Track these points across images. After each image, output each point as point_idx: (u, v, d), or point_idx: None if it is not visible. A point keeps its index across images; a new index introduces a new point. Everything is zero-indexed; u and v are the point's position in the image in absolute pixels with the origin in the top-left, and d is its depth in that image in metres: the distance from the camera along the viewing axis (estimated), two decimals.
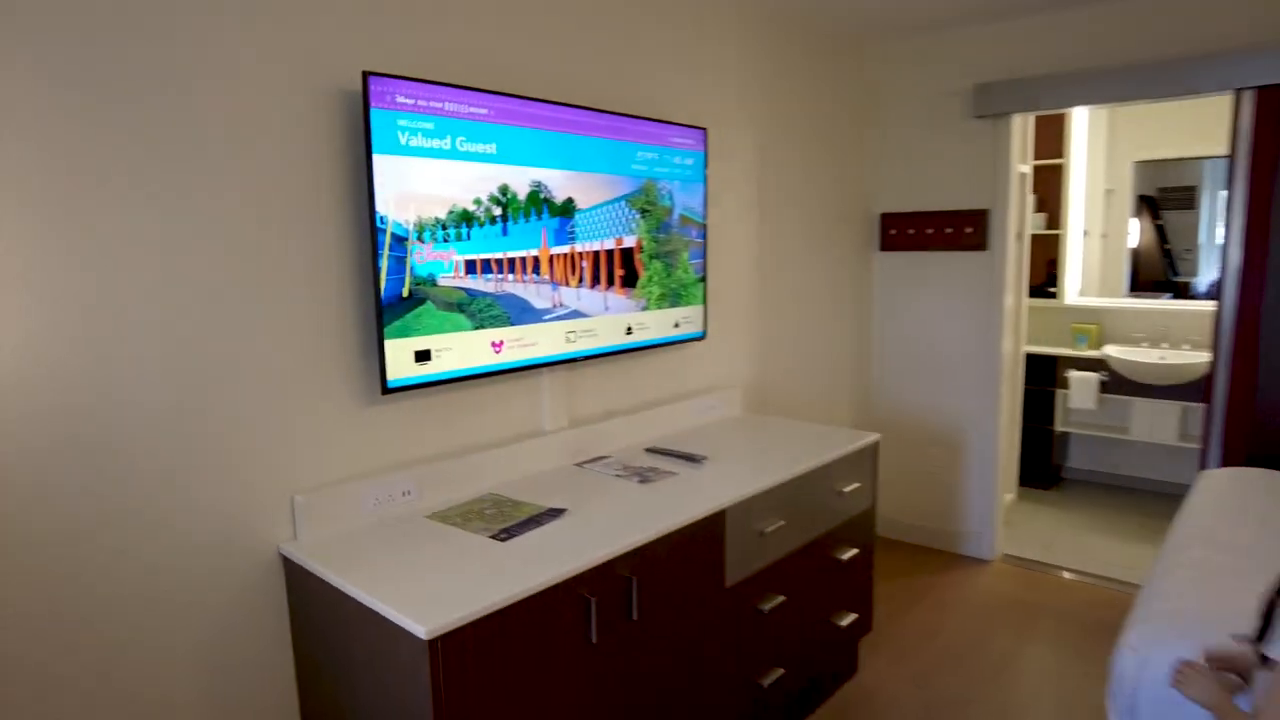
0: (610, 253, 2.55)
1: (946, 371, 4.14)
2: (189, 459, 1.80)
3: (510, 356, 2.29)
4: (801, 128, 3.64)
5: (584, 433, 2.66)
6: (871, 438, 2.93)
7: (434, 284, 2.07)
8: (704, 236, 2.96)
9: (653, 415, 2.93)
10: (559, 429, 2.60)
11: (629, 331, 2.68)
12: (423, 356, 2.07)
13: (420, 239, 2.02)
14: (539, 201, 2.30)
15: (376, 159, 1.93)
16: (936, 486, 4.26)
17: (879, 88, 4.12)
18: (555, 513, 2.13)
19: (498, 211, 2.19)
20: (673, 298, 2.82)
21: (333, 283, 1.99)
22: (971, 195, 3.91)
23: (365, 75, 1.90)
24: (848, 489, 2.78)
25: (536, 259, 2.31)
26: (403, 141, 1.98)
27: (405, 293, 2.01)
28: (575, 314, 2.45)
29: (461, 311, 2.14)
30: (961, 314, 4.04)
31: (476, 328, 2.17)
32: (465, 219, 2.11)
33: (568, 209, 2.38)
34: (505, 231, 2.22)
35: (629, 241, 2.61)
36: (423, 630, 1.54)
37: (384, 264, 1.97)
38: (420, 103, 2.00)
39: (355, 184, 2.00)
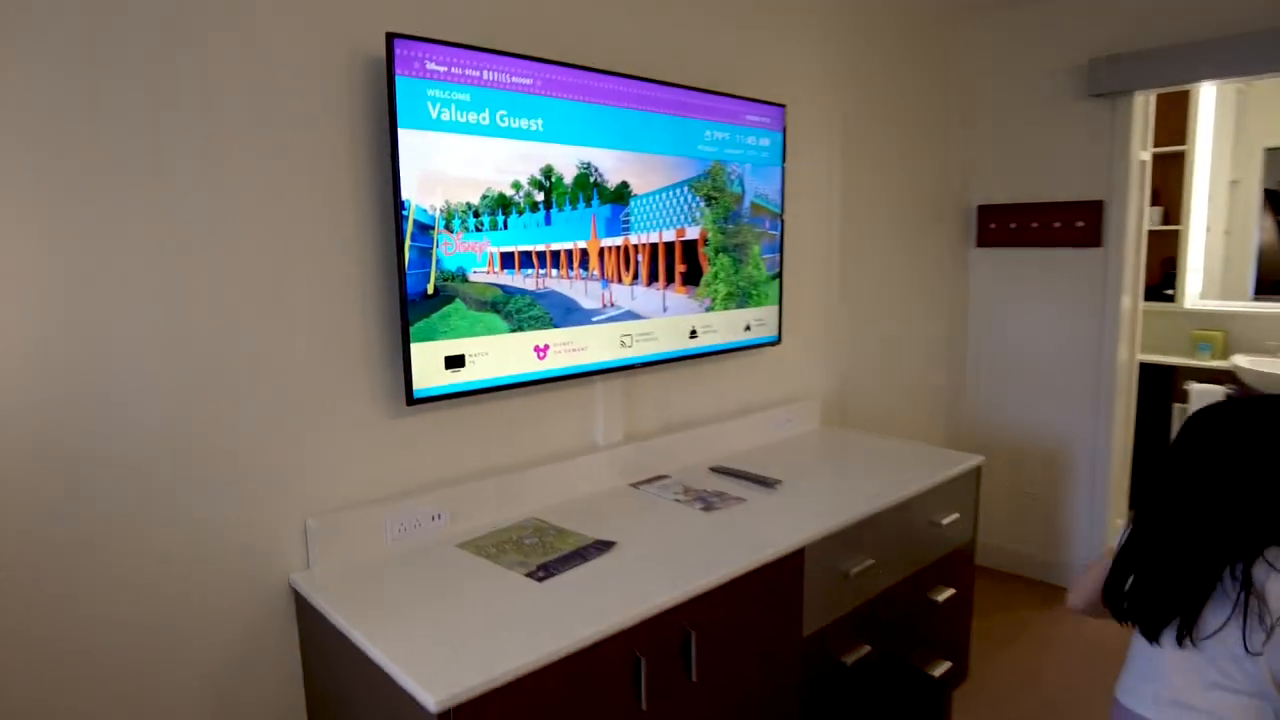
0: (670, 245, 2.22)
1: (1051, 382, 3.67)
2: (189, 474, 1.56)
3: (557, 363, 1.99)
4: (891, 108, 3.25)
5: (641, 449, 2.35)
6: (973, 460, 2.52)
7: (465, 279, 1.78)
8: (779, 228, 2.61)
9: (719, 430, 2.59)
10: (613, 444, 2.29)
11: (693, 335, 2.35)
12: (454, 363, 1.79)
13: (449, 227, 1.74)
14: (588, 185, 1.99)
15: (402, 134, 1.66)
16: (1037, 510, 3.78)
17: (979, 64, 3.69)
18: (603, 545, 1.82)
19: (540, 197, 1.89)
20: (741, 297, 2.48)
21: (351, 277, 1.73)
22: (1084, 185, 3.44)
23: (389, 37, 1.63)
24: (946, 520, 2.38)
25: (585, 252, 2.01)
26: (433, 115, 1.70)
27: (430, 289, 1.73)
28: (629, 315, 2.14)
29: (496, 311, 1.84)
30: (1070, 318, 3.57)
31: (514, 330, 1.88)
32: (502, 205, 1.82)
33: (621, 195, 2.07)
34: (548, 220, 1.92)
35: (692, 233, 2.28)
36: (432, 700, 1.25)
37: (405, 256, 1.69)
38: (454, 70, 1.72)
39: (377, 163, 1.73)
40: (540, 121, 1.89)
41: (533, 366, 1.95)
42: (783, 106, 2.59)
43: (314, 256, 1.67)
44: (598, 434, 2.28)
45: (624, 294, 2.12)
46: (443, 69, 1.72)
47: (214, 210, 1.54)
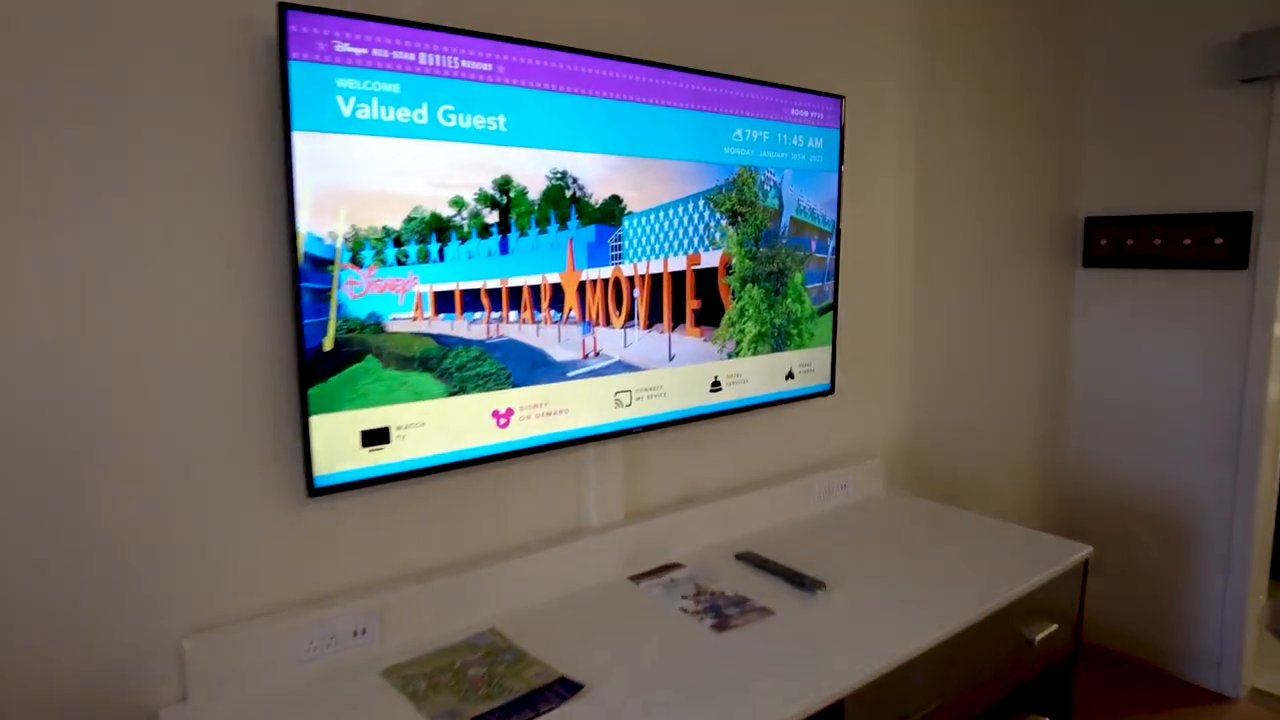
0: (679, 276, 1.71)
1: (1175, 429, 2.98)
2: (22, 583, 1.15)
3: (525, 431, 1.52)
4: (978, 101, 2.64)
5: (648, 529, 1.85)
6: (1079, 553, 1.92)
7: (379, 330, 1.32)
8: (832, 249, 2.06)
9: (752, 501, 2.07)
10: (610, 524, 1.80)
11: (716, 388, 1.83)
12: (376, 438, 1.33)
13: (356, 261, 1.28)
14: (564, 201, 1.50)
15: (298, 139, 1.21)
16: (1153, 583, 3.09)
17: (1090, 43, 3.03)
18: (566, 689, 1.33)
19: (492, 218, 1.42)
20: (778, 338, 1.95)
21: (237, 330, 1.29)
22: (1225, 193, 2.75)
23: (281, 8, 1.19)
24: (1040, 635, 1.79)
25: (557, 288, 1.52)
26: (345, 111, 1.25)
27: (329, 344, 1.27)
28: (622, 366, 1.64)
29: (427, 370, 1.38)
30: (1202, 352, 2.88)
31: (454, 393, 1.40)
32: (436, 229, 1.35)
33: (611, 213, 1.57)
34: (505, 247, 1.44)
35: (709, 259, 1.77)
36: None
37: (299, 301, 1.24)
38: (378, 53, 1.27)
39: (270, 178, 1.29)
40: (501, 119, 1.42)
41: (491, 437, 1.48)
42: (840, 98, 2.04)
43: (184, 301, 1.24)
44: (589, 511, 1.79)
45: (614, 340, 1.62)
46: (360, 51, 1.26)
47: (53, 239, 1.12)
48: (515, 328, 1.48)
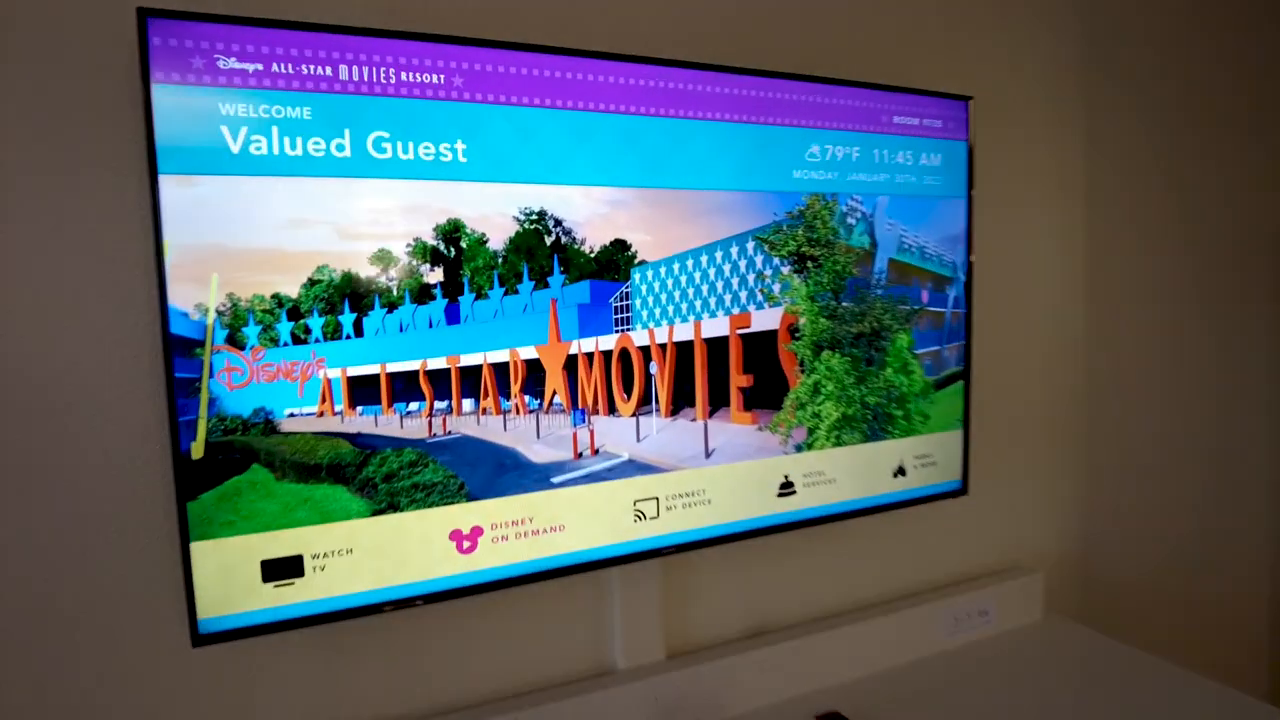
0: (718, 344, 1.27)
1: None
2: None
3: (501, 557, 1.14)
4: (1174, 95, 1.98)
5: (696, 674, 1.39)
6: None
7: (270, 430, 0.99)
8: (958, 300, 1.53)
9: (845, 636, 1.55)
10: (645, 667, 1.38)
11: (787, 490, 1.36)
12: (283, 570, 1.00)
13: (234, 341, 0.96)
14: (540, 250, 1.12)
15: (166, 184, 0.92)
16: None
17: None
18: None
19: (434, 276, 1.06)
20: (874, 421, 1.43)
21: (100, 427, 1.01)
22: None
23: (142, 15, 0.91)
24: None
25: (534, 365, 1.13)
26: (235, 146, 0.95)
27: (198, 451, 0.96)
28: (635, 468, 1.21)
29: (341, 481, 1.03)
30: None
31: (379, 510, 1.04)
32: (348, 294, 1.01)
33: (614, 263, 1.17)
34: (455, 315, 1.08)
35: (764, 319, 1.31)
36: None
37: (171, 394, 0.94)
38: (279, 69, 0.96)
39: (131, 232, 1.02)
40: (459, 146, 1.07)
41: (450, 566, 1.11)
42: (965, 100, 1.53)
43: (41, 390, 0.98)
44: (616, 650, 1.37)
45: (621, 432, 1.20)
46: (253, 68, 0.96)
47: None
48: (472, 420, 1.10)
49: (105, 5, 0.99)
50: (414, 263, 1.05)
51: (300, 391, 1.01)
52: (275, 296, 0.98)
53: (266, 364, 0.99)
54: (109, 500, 1.02)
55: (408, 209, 1.04)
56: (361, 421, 1.04)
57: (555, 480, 1.15)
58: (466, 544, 1.13)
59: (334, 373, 1.02)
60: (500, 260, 1.10)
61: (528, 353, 1.13)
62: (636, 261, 1.18)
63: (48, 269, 0.99)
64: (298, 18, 1.03)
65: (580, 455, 1.17)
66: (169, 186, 0.94)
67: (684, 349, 1.24)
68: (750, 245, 1.27)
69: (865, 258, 1.39)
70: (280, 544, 1.02)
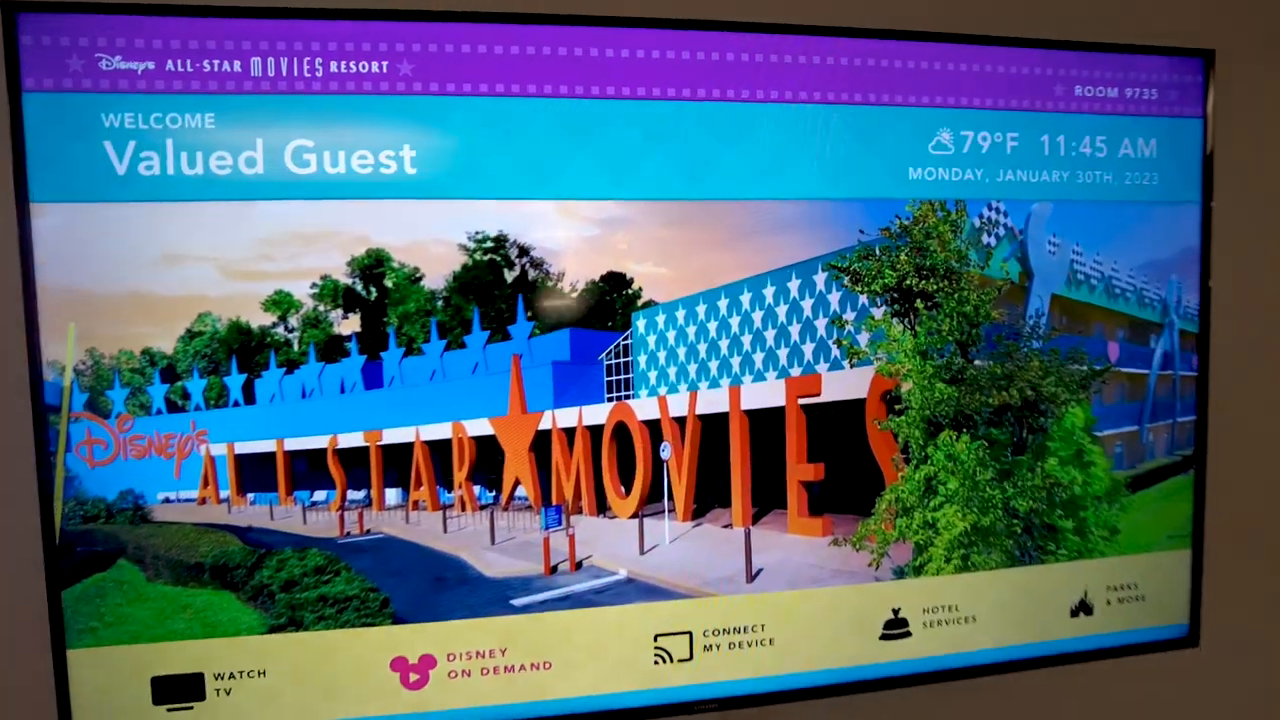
0: (767, 418, 0.88)
1: None
2: None
3: (460, 697, 0.85)
4: None
5: None
6: None
7: (140, 518, 0.78)
8: (1174, 358, 1.01)
9: None
10: None
11: (896, 631, 0.94)
12: (178, 692, 0.80)
13: (95, 407, 0.77)
14: (496, 288, 0.82)
15: (39, 214, 0.76)
16: None
17: None
18: None
19: (349, 325, 0.80)
20: (1028, 536, 0.95)
21: None
22: None
23: (7, 9, 0.76)
24: None
25: (488, 444, 0.83)
26: (121, 166, 0.78)
27: (52, 539, 0.77)
28: (640, 591, 0.86)
29: (226, 586, 0.80)
30: None
31: (276, 626, 0.80)
32: (235, 349, 0.78)
33: (606, 304, 0.84)
34: (375, 375, 0.81)
35: (844, 384, 0.90)
36: None
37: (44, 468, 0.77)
38: (175, 64, 0.78)
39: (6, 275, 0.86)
40: (408, 153, 0.81)
41: (391, 703, 0.84)
42: (1202, 57, 1.02)
43: None
44: None
45: (615, 539, 0.86)
46: (143, 66, 0.78)
47: None
48: (399, 517, 0.83)
49: None
50: (320, 308, 0.80)
51: (177, 471, 0.79)
52: (146, 352, 0.78)
53: (135, 436, 0.78)
54: None
55: (311, 236, 0.79)
56: (253, 513, 0.80)
57: (517, 603, 0.84)
58: (414, 676, 0.85)
59: (219, 449, 0.79)
60: (440, 303, 0.81)
61: (478, 427, 0.83)
62: (641, 303, 0.84)
63: None
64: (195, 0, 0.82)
65: (555, 570, 0.85)
66: (49, 217, 0.77)
67: (713, 425, 0.87)
68: (820, 277, 0.88)
69: (1013, 293, 0.93)
70: (175, 657, 0.81)
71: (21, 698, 0.87)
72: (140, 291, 0.77)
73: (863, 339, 0.89)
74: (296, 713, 0.84)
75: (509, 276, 0.82)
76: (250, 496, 0.80)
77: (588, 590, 0.85)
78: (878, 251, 0.89)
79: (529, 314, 0.83)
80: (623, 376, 0.85)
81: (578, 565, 0.85)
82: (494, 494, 0.83)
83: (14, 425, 0.81)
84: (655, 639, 0.89)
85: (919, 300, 0.90)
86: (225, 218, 0.79)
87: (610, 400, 0.85)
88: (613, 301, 0.84)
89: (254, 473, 0.80)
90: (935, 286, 0.90)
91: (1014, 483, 0.93)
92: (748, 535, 0.88)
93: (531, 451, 0.84)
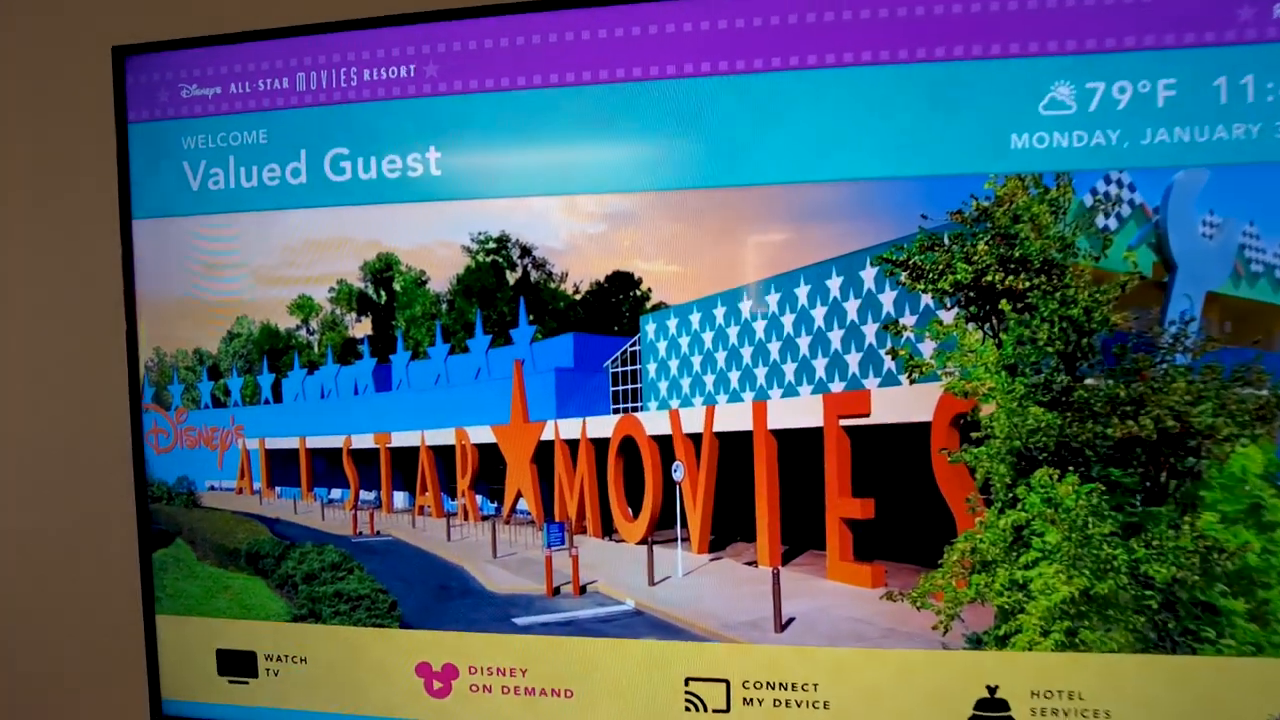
0: (801, 440, 0.75)
1: None
2: None
3: (477, 714, 0.83)
4: None
5: None
6: None
7: (192, 502, 0.86)
8: None
9: None
10: None
11: (993, 711, 0.76)
12: (237, 665, 0.87)
13: (159, 400, 0.86)
14: (500, 290, 0.79)
15: (139, 229, 0.88)
16: None
17: None
18: None
19: (361, 328, 0.81)
20: (1170, 614, 0.71)
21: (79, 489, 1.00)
22: None
23: (118, 53, 0.89)
24: None
25: (490, 453, 0.80)
26: (195, 182, 0.87)
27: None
28: (651, 625, 0.77)
29: (259, 572, 0.84)
30: None
31: (299, 616, 0.83)
32: (267, 350, 0.83)
33: (612, 306, 0.77)
34: (385, 378, 0.81)
35: (901, 402, 0.73)
36: None
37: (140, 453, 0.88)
38: (238, 87, 0.86)
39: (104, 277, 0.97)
40: (433, 154, 0.81)
41: (416, 709, 0.84)
42: None
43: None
44: None
45: (622, 564, 0.78)
46: (210, 92, 0.86)
47: None
48: (405, 520, 0.81)
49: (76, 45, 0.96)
50: (337, 311, 0.81)
51: (220, 462, 0.85)
52: (197, 352, 0.84)
53: (189, 428, 0.85)
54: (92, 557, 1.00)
55: (330, 243, 0.81)
56: (280, 505, 0.84)
57: (520, 622, 0.79)
58: (437, 684, 0.84)
59: (252, 443, 0.84)
60: (445, 307, 0.79)
61: (480, 434, 0.79)
62: (650, 305, 0.75)
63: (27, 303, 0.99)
64: (252, 26, 0.88)
65: (557, 592, 0.78)
66: (151, 230, 0.87)
67: (734, 445, 0.75)
68: (868, 274, 0.73)
69: (1145, 292, 0.70)
70: (234, 634, 0.87)
71: (118, 655, 0.98)
72: (193, 297, 0.84)
73: (926, 349, 0.72)
74: (331, 701, 0.87)
75: (511, 278, 0.77)
76: (278, 490, 0.84)
77: (591, 619, 0.77)
78: (946, 241, 0.71)
79: (531, 317, 0.78)
80: (630, 386, 0.76)
81: (582, 589, 0.78)
82: (496, 505, 0.79)
83: (115, 415, 0.92)
84: (686, 683, 0.79)
85: (1005, 300, 0.71)
86: (258, 226, 0.83)
87: (617, 412, 0.77)
88: (619, 304, 0.76)
89: (281, 467, 0.83)
90: (1028, 283, 0.70)
91: (1146, 541, 0.70)
92: (776, 576, 0.74)
93: (534, 463, 0.78)
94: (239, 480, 0.85)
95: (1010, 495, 0.71)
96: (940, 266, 0.71)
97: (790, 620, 0.75)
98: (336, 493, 0.83)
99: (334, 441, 0.82)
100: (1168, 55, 0.72)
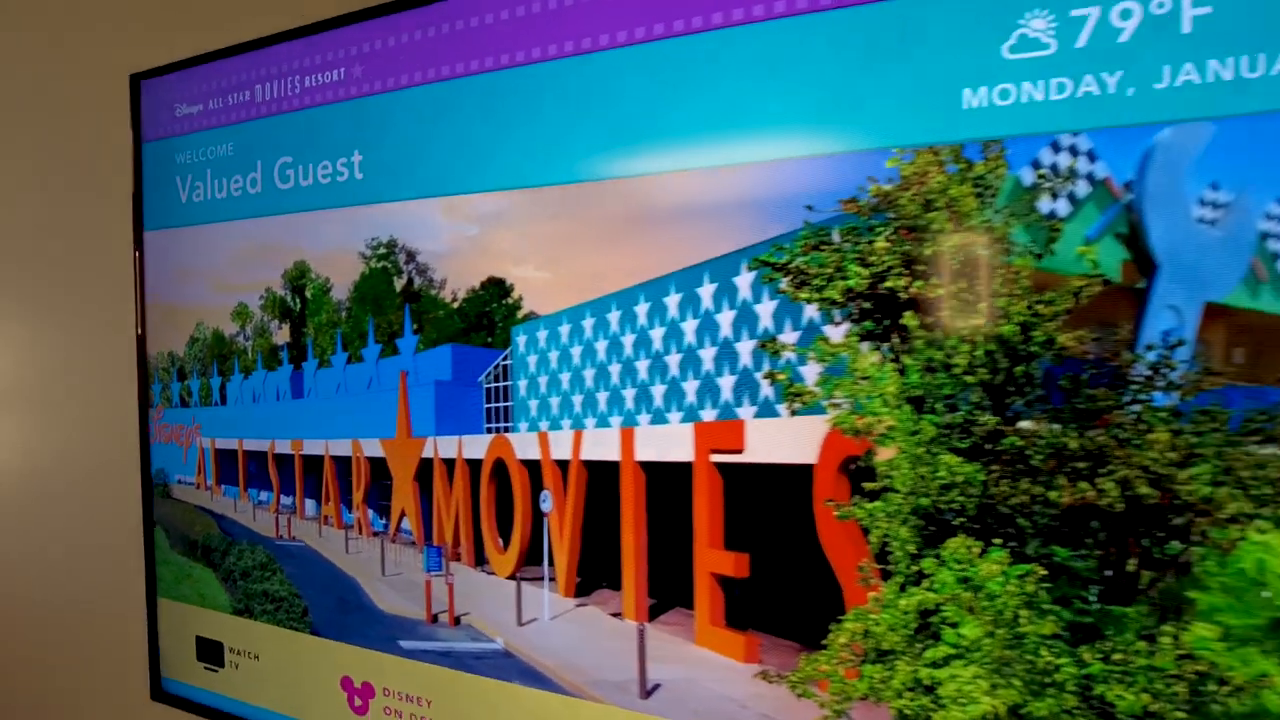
0: (672, 474, 0.63)
1: None
2: None
3: None
4: None
5: None
6: None
7: (166, 493, 0.93)
8: None
9: None
10: None
11: None
12: (210, 653, 0.94)
13: (149, 398, 0.94)
14: (388, 297, 0.75)
15: (153, 239, 0.99)
16: None
17: None
18: None
19: (282, 334, 0.82)
20: None
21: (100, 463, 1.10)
22: None
23: (135, 81, 1.00)
24: None
25: (380, 465, 0.77)
26: (184, 195, 0.96)
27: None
28: (519, 670, 0.70)
29: (210, 564, 0.89)
30: None
31: (237, 610, 0.87)
32: (218, 353, 0.87)
33: (486, 316, 0.70)
34: (298, 385, 0.81)
35: (778, 439, 0.58)
36: None
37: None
38: (214, 104, 0.93)
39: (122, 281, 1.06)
40: (357, 158, 0.81)
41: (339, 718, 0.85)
42: None
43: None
44: None
45: (494, 599, 0.71)
46: (196, 109, 0.94)
47: None
48: (313, 528, 0.81)
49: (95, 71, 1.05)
50: (265, 318, 0.82)
51: (184, 457, 0.90)
52: (169, 355, 0.90)
53: (164, 424, 0.91)
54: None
55: (256, 252, 0.82)
56: (224, 503, 0.87)
57: (405, 645, 0.75)
58: (358, 700, 0.83)
59: (207, 442, 0.88)
60: (343, 314, 0.77)
61: (371, 447, 0.76)
62: (521, 315, 0.67)
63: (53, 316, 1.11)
64: (228, 43, 0.92)
65: (436, 619, 0.73)
66: (155, 241, 0.96)
67: (603, 474, 0.65)
68: (744, 279, 0.59)
69: (1110, 302, 0.49)
70: (209, 624, 0.93)
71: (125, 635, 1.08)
72: (171, 302, 0.90)
73: (811, 372, 0.57)
74: (278, 703, 0.89)
75: (398, 285, 0.73)
76: (223, 488, 0.87)
77: (466, 653, 0.71)
78: (837, 238, 0.55)
79: (415, 326, 0.73)
80: (503, 404, 0.69)
81: (456, 620, 0.72)
82: (384, 521, 0.76)
83: (125, 414, 1.01)
84: None
85: (910, 313, 0.54)
86: (216, 237, 0.87)
87: (490, 431, 0.69)
88: (492, 314, 0.68)
89: (226, 466, 0.87)
90: (942, 290, 0.53)
91: (1105, 653, 0.49)
92: (641, 635, 0.63)
93: (416, 481, 0.74)
94: (197, 476, 0.90)
95: (915, 569, 0.54)
96: (830, 269, 0.56)
97: (656, 686, 0.63)
98: (264, 495, 0.85)
99: (262, 445, 0.84)
100: None
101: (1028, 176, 0.50)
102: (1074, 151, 0.49)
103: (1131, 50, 0.50)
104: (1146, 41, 0.50)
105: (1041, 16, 0.53)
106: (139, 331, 0.96)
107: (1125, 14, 0.51)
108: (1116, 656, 0.49)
